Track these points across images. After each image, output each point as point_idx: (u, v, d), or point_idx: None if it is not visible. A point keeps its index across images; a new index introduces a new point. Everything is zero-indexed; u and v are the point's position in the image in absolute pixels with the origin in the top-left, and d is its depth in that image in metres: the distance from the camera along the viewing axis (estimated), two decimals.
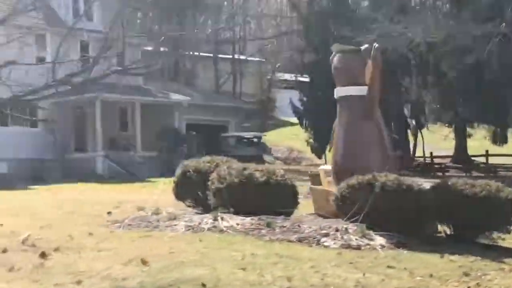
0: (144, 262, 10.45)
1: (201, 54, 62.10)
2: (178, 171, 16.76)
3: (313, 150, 45.16)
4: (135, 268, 10.20)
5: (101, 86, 35.71)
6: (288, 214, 14.75)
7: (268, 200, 14.41)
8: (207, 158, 16.70)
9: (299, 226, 13.44)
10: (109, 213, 16.87)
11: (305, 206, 16.06)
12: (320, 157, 45.42)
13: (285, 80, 60.67)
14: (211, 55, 61.52)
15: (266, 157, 43.84)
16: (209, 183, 15.10)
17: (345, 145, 15.84)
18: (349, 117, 15.90)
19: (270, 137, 51.66)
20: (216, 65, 60.99)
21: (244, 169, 14.80)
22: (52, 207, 19.39)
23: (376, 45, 15.64)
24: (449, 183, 14.30)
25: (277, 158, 50.25)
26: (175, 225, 13.98)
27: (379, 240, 12.84)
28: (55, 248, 11.74)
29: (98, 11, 39.04)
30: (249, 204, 14.40)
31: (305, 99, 44.90)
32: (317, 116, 41.49)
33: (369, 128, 15.71)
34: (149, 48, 50.85)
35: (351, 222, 13.46)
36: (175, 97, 40.57)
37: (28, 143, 34.83)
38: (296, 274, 10.09)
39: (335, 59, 16.31)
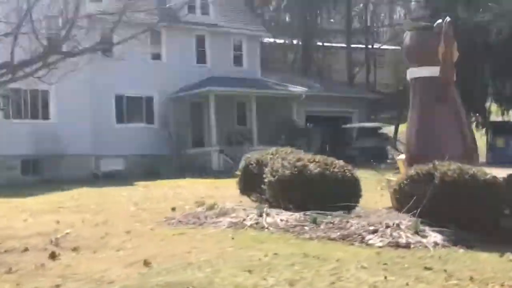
0: (146, 264, 9.62)
1: (333, 44, 60.84)
2: (242, 164, 15.81)
3: None
4: (133, 270, 9.38)
5: (215, 80, 35.65)
6: (350, 209, 13.46)
7: (324, 194, 13.16)
8: (273, 149, 15.53)
9: (347, 222, 12.14)
10: (173, 209, 16.16)
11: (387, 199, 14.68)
12: None
13: None
14: (344, 45, 60.02)
15: (389, 148, 42.13)
16: (264, 176, 14.05)
17: (418, 131, 14.43)
18: (422, 101, 14.48)
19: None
20: (349, 56, 59.44)
21: (298, 160, 13.64)
22: (130, 203, 18.93)
23: (448, 19, 14.07)
24: None
25: None
26: (220, 221, 13.06)
27: (434, 237, 11.38)
28: (74, 247, 11.14)
29: (213, 4, 38.57)
30: (302, 198, 13.25)
31: None
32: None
33: (445, 113, 14.23)
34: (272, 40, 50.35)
35: (411, 216, 12.07)
36: (293, 89, 39.52)
37: (144, 139, 34.91)
38: (307, 277, 8.91)
39: (406, 38, 14.85)
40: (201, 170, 32.78)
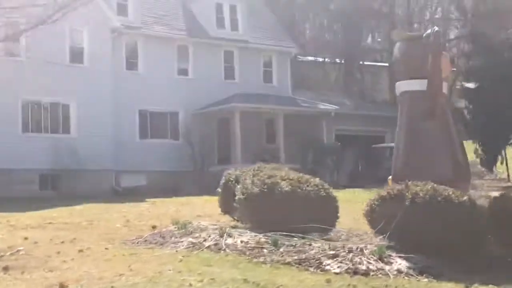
0: (62, 287, 8.83)
1: (375, 63, 59.63)
2: (222, 181, 14.92)
3: (482, 163, 41.25)
4: None
5: (242, 97, 34.90)
6: (327, 230, 12.48)
7: (296, 214, 12.19)
8: (256, 165, 14.60)
9: (310, 245, 11.17)
10: (153, 227, 15.37)
11: None
12: (491, 170, 41.62)
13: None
14: (386, 64, 58.74)
15: None
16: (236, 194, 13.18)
17: (405, 149, 13.38)
18: (410, 116, 13.40)
19: None
20: (391, 74, 58.06)
21: (269, 177, 12.71)
22: (122, 220, 18.24)
23: (435, 28, 13.06)
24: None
25: None
26: (181, 241, 12.20)
27: (399, 264, 10.36)
28: (6, 266, 10.43)
29: (242, 20, 37.88)
30: (273, 218, 12.29)
31: (471, 107, 41.19)
32: (485, 125, 37.93)
33: (434, 130, 13.15)
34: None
35: (382, 240, 11.10)
36: (323, 106, 38.52)
37: (168, 155, 34.29)
38: None
39: (395, 49, 13.85)
40: None
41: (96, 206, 23.68)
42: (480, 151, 40.72)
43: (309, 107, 38.20)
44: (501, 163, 41.25)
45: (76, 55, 32.13)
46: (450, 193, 10.90)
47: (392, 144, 39.53)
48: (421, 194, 10.79)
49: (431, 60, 12.86)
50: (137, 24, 34.38)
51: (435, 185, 11.06)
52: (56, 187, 31.12)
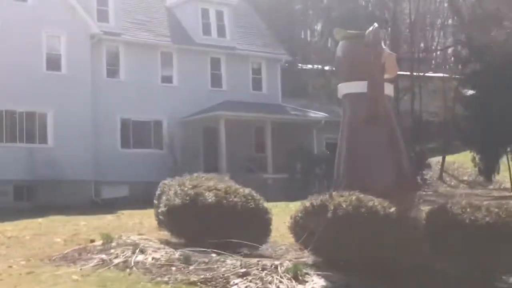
0: None
1: None
2: (157, 192, 13.90)
3: (480, 172, 40.07)
4: None
5: (229, 105, 33.92)
6: (259, 243, 11.45)
7: (221, 227, 11.15)
8: (194, 175, 13.55)
9: (224, 261, 10.13)
10: (92, 241, 14.38)
11: None
12: (490, 180, 40.42)
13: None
14: None
15: (426, 174, 39.85)
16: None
17: (346, 156, 12.27)
18: (351, 121, 12.32)
19: (458, 158, 47.38)
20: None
21: (194, 187, 11.68)
22: (68, 234, 17.28)
23: (375, 25, 12.02)
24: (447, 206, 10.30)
25: (462, 181, 45.98)
26: (93, 258, 11.21)
27: (315, 283, 9.33)
28: None
29: (230, 27, 36.93)
30: (196, 231, 11.29)
31: (467, 114, 40.07)
32: (483, 133, 36.81)
33: (376, 135, 12.02)
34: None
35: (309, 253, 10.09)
36: (313, 115, 37.45)
37: (151, 166, 33.25)
38: None
39: (337, 48, 12.81)
40: None
41: (60, 218, 22.76)
42: (478, 160, 39.59)
43: (298, 115, 37.15)
44: (498, 173, 40.12)
45: (53, 62, 31.25)
46: (376, 204, 9.82)
47: None
48: (344, 206, 9.72)
49: (371, 60, 11.78)
50: (118, 30, 33.46)
51: (361, 195, 10.01)
52: (31, 198, 30.16)
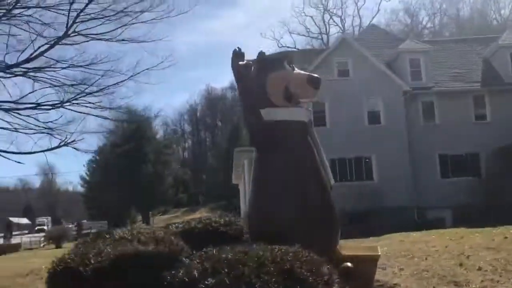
0: None
1: None
2: None
3: None
4: None
5: None
6: None
7: None
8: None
9: None
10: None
11: None
12: None
13: None
14: None
15: None
16: None
17: (254, 189, 10.36)
18: (257, 149, 10.50)
19: None
20: None
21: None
22: None
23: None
24: None
25: None
26: None
27: None
28: None
29: None
30: None
31: None
32: None
33: (279, 164, 9.92)
34: None
35: None
36: None
37: (467, 191, 39.06)
38: None
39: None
40: None
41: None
42: None
43: None
44: None
45: (373, 117, 40.71)
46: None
47: None
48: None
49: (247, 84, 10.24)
50: (430, 84, 41.32)
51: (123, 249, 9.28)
52: (361, 222, 39.47)
